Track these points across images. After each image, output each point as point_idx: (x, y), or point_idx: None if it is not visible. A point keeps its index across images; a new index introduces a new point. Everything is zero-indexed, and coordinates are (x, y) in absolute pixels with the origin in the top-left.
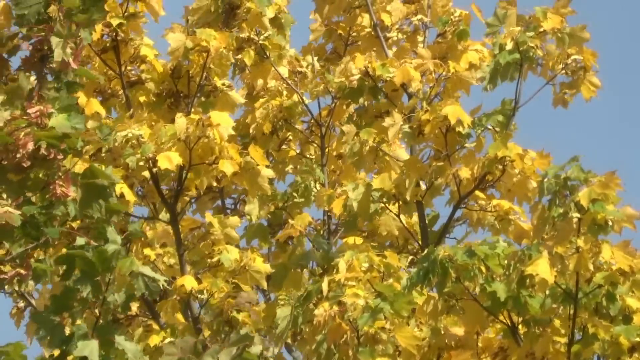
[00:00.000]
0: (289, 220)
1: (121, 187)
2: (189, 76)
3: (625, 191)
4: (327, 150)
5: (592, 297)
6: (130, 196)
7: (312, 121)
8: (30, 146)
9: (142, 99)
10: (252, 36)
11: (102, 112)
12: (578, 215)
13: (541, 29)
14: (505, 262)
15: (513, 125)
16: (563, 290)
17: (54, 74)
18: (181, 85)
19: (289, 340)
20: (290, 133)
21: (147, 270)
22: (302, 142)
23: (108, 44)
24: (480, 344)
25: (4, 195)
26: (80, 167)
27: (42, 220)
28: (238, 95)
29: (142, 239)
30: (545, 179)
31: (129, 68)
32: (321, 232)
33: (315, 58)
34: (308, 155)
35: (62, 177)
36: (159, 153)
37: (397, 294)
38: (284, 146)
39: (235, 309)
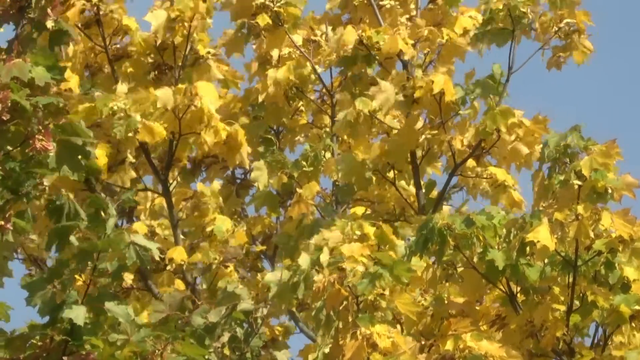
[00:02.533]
0: (297, 190)
1: (100, 157)
2: (174, 47)
3: (623, 160)
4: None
5: (591, 265)
6: (104, 167)
7: (324, 90)
8: (9, 100)
9: (128, 70)
10: (267, 2)
11: (76, 90)
12: (578, 183)
13: None
14: (504, 230)
15: (506, 93)
16: (562, 257)
17: (33, 24)
18: (167, 56)
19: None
20: (302, 102)
21: (139, 239)
22: (314, 111)
23: (90, 19)
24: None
25: None
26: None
27: (22, 174)
28: (216, 69)
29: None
30: (546, 147)
31: (113, 42)
32: (329, 201)
33: (330, 27)
34: (320, 125)
35: (42, 131)
36: (146, 124)
37: (396, 261)
38: (295, 115)
39: (222, 264)
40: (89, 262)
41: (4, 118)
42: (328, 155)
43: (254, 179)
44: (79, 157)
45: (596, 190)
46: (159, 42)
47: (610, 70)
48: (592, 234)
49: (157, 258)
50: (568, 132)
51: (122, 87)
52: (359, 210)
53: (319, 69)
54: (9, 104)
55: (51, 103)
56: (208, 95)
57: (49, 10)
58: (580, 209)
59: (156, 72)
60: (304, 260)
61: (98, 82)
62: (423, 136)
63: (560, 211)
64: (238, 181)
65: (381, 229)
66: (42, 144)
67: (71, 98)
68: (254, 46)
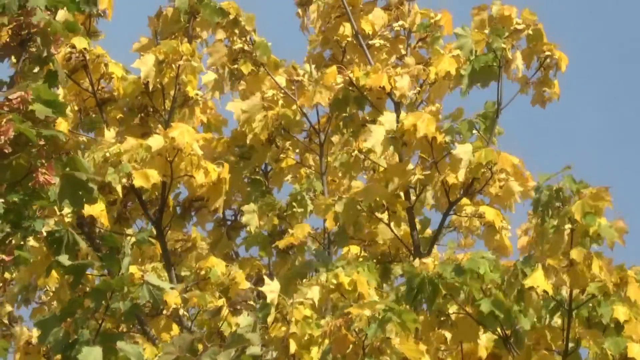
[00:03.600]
0: (289, 230)
1: (100, 211)
2: (163, 89)
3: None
4: (326, 159)
5: (585, 308)
6: (105, 220)
7: (311, 130)
8: (12, 132)
9: (117, 116)
10: (245, 47)
11: (66, 130)
12: (570, 227)
13: (512, 28)
14: (498, 276)
15: (497, 129)
16: (557, 301)
17: (34, 59)
18: (156, 99)
19: None
20: (288, 142)
21: (152, 279)
22: (301, 151)
23: (77, 65)
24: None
25: None
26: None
27: (25, 208)
28: (198, 112)
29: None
30: (538, 192)
31: (100, 86)
32: (321, 241)
33: (313, 66)
34: (307, 164)
35: (46, 164)
36: (137, 170)
37: (403, 310)
38: (282, 155)
39: (232, 308)
40: (103, 301)
41: (7, 151)
42: (318, 195)
43: (246, 222)
44: (81, 192)
45: (588, 235)
46: (150, 86)
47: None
48: (587, 279)
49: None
50: (560, 172)
51: (110, 133)
52: (353, 249)
53: (304, 109)
54: (12, 136)
55: (54, 136)
56: (190, 137)
57: (52, 47)
58: (573, 254)
59: (143, 115)
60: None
61: (87, 125)
62: (416, 176)
63: (554, 256)
64: (228, 223)
65: (356, 279)
66: (45, 178)
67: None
68: (239, 88)
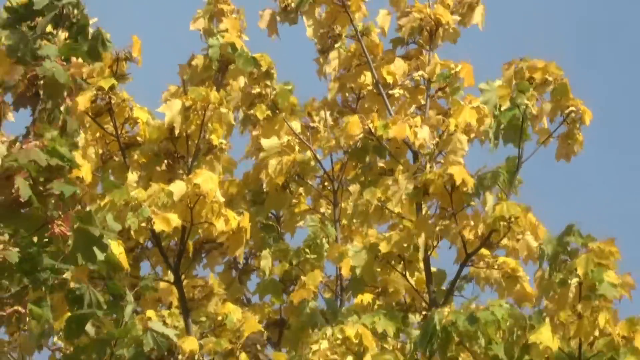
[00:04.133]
0: (302, 277)
1: (120, 254)
2: (187, 136)
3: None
4: (339, 205)
5: None
6: (125, 263)
7: (325, 176)
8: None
9: (140, 160)
10: (263, 92)
11: (89, 178)
12: (577, 281)
13: (536, 82)
14: (507, 324)
15: (518, 179)
16: (566, 355)
17: (49, 108)
18: (180, 145)
19: None
20: (302, 188)
21: (157, 326)
22: (315, 197)
23: (102, 108)
24: None
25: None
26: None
27: (39, 258)
28: (219, 165)
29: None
30: (545, 246)
31: (124, 129)
32: (333, 288)
33: (328, 113)
34: (320, 210)
35: (62, 216)
36: (158, 214)
37: None
38: (295, 200)
39: (243, 351)
40: (108, 349)
41: (22, 200)
42: (331, 242)
43: (262, 268)
44: (95, 248)
45: (594, 290)
46: (176, 132)
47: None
48: (595, 332)
49: (175, 343)
50: (564, 233)
51: (132, 176)
52: (366, 297)
53: (319, 155)
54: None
55: (68, 189)
56: (213, 185)
57: (67, 99)
58: (580, 308)
59: (168, 161)
60: None
61: (110, 169)
62: (438, 227)
63: (561, 310)
64: (239, 266)
65: (361, 332)
66: (61, 229)
67: (83, 187)
68: (253, 133)
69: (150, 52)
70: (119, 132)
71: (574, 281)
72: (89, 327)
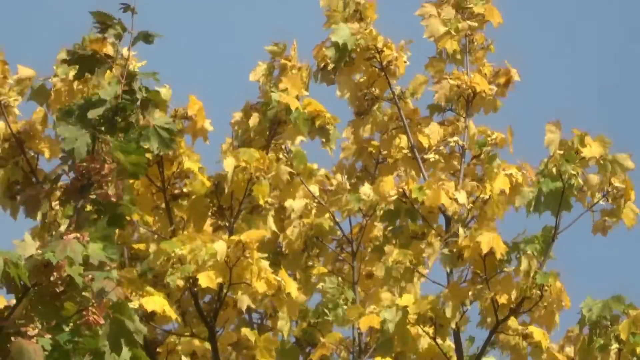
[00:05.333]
0: (321, 339)
1: (163, 306)
2: (232, 193)
3: None
4: (358, 268)
5: None
6: (172, 314)
7: (343, 239)
8: (65, 272)
9: (184, 214)
10: (281, 156)
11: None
12: (618, 347)
13: (583, 155)
14: None
15: (551, 253)
16: None
17: (94, 205)
18: (224, 201)
19: None
20: (319, 251)
21: None
22: (332, 260)
23: (154, 159)
24: None
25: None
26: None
27: (71, 349)
28: (272, 221)
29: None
30: (587, 311)
31: (172, 182)
32: (351, 350)
33: (345, 176)
34: (338, 273)
35: (96, 305)
36: (198, 272)
37: None
38: (310, 263)
39: None
40: None
41: (58, 290)
42: (349, 305)
43: (280, 328)
44: (124, 341)
45: (636, 354)
46: (226, 189)
47: None
48: None
49: None
50: (610, 300)
51: (177, 230)
52: None
53: (337, 218)
54: (64, 276)
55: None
56: (257, 245)
57: (110, 193)
58: None
59: (215, 215)
60: None
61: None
62: (470, 292)
63: None
64: (255, 326)
65: None
66: (95, 318)
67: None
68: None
69: (206, 98)
70: (166, 185)
71: (614, 346)
72: None
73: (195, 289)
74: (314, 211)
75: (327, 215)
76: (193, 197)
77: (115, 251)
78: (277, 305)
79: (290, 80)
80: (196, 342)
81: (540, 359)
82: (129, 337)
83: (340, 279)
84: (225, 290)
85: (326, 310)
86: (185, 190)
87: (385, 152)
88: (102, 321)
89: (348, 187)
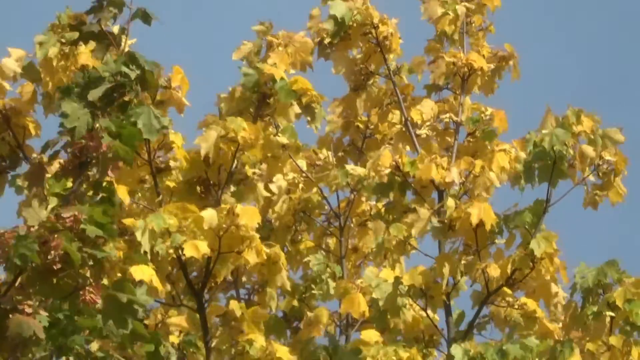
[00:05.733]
0: (307, 313)
1: (151, 276)
2: (220, 165)
3: None
4: (346, 242)
5: None
6: (159, 285)
7: (331, 213)
8: (61, 249)
9: (171, 185)
10: (271, 129)
11: (127, 199)
12: (611, 314)
13: (574, 130)
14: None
15: (542, 226)
16: None
17: (91, 183)
18: (211, 173)
19: None
20: (307, 225)
21: None
22: (320, 234)
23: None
24: None
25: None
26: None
27: (69, 327)
28: (262, 188)
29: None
30: (580, 278)
31: (157, 155)
32: (339, 325)
33: (331, 152)
34: (325, 248)
35: (93, 284)
36: (187, 242)
37: None
38: (300, 237)
39: None
40: None
41: (55, 267)
42: (335, 280)
43: (268, 302)
44: (126, 315)
45: (629, 322)
46: (211, 161)
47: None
48: None
49: None
50: (604, 266)
51: (164, 202)
52: (371, 334)
53: (325, 193)
54: (61, 253)
55: (103, 258)
56: (249, 216)
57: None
58: (613, 340)
59: (201, 188)
60: None
61: (140, 194)
62: (461, 263)
63: (593, 342)
64: (242, 301)
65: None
66: (92, 297)
67: (124, 211)
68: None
69: (192, 81)
70: (152, 157)
71: (608, 314)
72: None
73: (184, 260)
74: (301, 185)
75: (315, 190)
76: (178, 171)
77: (113, 229)
78: (267, 275)
79: (278, 56)
80: (184, 315)
81: (532, 330)
82: (127, 309)
83: (327, 253)
84: (214, 261)
85: (313, 286)
86: (170, 164)
87: (374, 127)
88: (99, 300)
89: (334, 161)
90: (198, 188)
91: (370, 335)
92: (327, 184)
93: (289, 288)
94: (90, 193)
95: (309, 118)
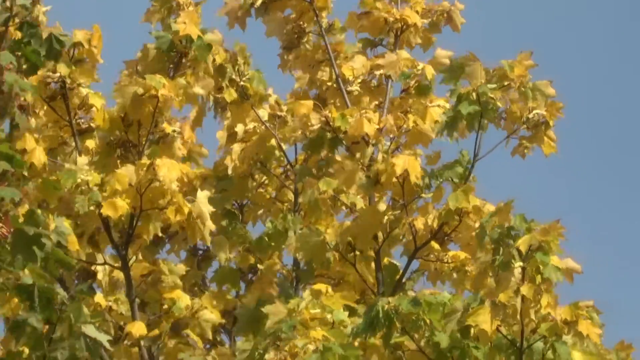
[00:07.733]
0: (258, 266)
1: (69, 235)
2: (139, 123)
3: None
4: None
5: (539, 349)
6: (74, 245)
7: (288, 166)
8: None
9: (92, 146)
10: (233, 77)
11: (44, 159)
12: (521, 264)
13: (505, 82)
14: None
15: (472, 177)
16: (508, 340)
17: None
18: (132, 133)
19: None
20: (265, 177)
21: (90, 330)
22: (278, 186)
23: (56, 92)
24: None
25: None
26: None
27: None
28: (180, 145)
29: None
30: (487, 229)
31: (78, 116)
32: (290, 277)
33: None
34: (283, 200)
35: (3, 217)
36: (108, 199)
37: (347, 344)
38: (259, 189)
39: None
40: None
41: None
42: (291, 232)
43: (215, 253)
44: (35, 247)
45: (539, 272)
46: (130, 119)
47: (576, 159)
48: (534, 316)
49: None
50: (501, 207)
51: (82, 160)
52: (321, 286)
53: (284, 146)
54: None
55: (7, 194)
56: (169, 172)
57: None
58: (523, 290)
59: (121, 149)
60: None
61: (62, 155)
62: (385, 217)
63: (503, 293)
64: (200, 253)
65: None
66: (2, 231)
67: (35, 171)
68: (223, 119)
69: (109, 49)
70: (72, 118)
71: (517, 264)
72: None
73: (106, 217)
74: (256, 136)
75: (273, 141)
76: (99, 132)
77: (22, 161)
78: (187, 231)
79: (188, 15)
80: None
81: (463, 284)
82: (36, 242)
83: (284, 206)
84: (137, 218)
85: (266, 238)
86: (92, 124)
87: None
88: (8, 233)
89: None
90: (118, 151)
91: (321, 287)
92: (284, 136)
93: (208, 242)
94: None
95: (240, 66)
